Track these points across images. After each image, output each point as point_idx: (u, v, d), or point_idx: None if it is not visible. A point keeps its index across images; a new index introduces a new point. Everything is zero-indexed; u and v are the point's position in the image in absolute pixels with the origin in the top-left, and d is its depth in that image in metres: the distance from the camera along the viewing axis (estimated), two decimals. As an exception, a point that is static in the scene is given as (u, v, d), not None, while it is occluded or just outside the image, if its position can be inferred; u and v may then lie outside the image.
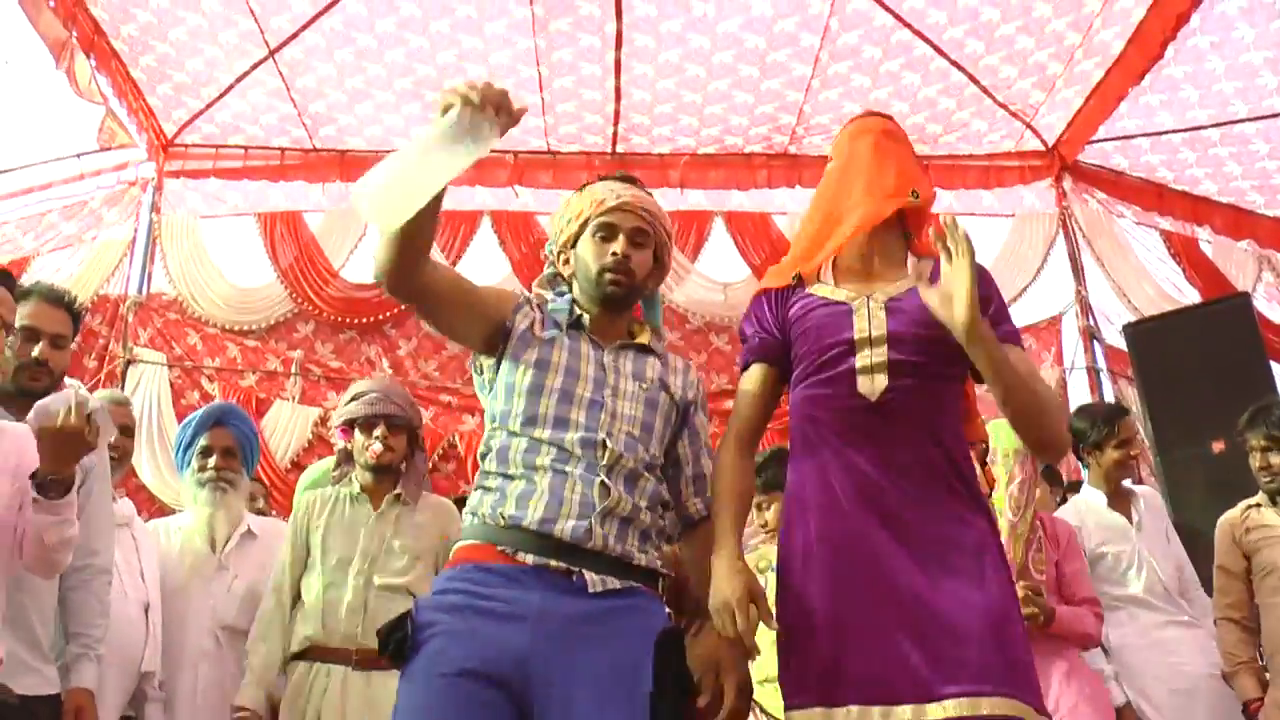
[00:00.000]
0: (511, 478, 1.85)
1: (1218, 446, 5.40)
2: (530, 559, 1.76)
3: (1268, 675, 3.46)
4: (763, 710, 2.94)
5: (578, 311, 2.06)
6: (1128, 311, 7.48)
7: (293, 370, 7.19)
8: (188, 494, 3.37)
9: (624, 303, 2.11)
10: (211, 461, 3.37)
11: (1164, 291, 7.70)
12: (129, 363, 6.94)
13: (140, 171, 7.37)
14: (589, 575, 1.76)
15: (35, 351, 2.65)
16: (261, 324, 7.49)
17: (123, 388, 6.66)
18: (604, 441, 1.88)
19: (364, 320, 7.61)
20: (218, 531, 3.35)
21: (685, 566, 2.05)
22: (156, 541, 3.38)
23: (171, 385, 6.98)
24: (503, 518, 1.81)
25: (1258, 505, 3.60)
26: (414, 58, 6.65)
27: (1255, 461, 3.58)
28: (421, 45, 6.54)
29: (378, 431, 3.11)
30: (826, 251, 2.04)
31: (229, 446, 3.43)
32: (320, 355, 7.50)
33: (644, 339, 2.11)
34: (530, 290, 2.18)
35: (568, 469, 1.83)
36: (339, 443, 3.34)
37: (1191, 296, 7.64)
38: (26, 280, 3.92)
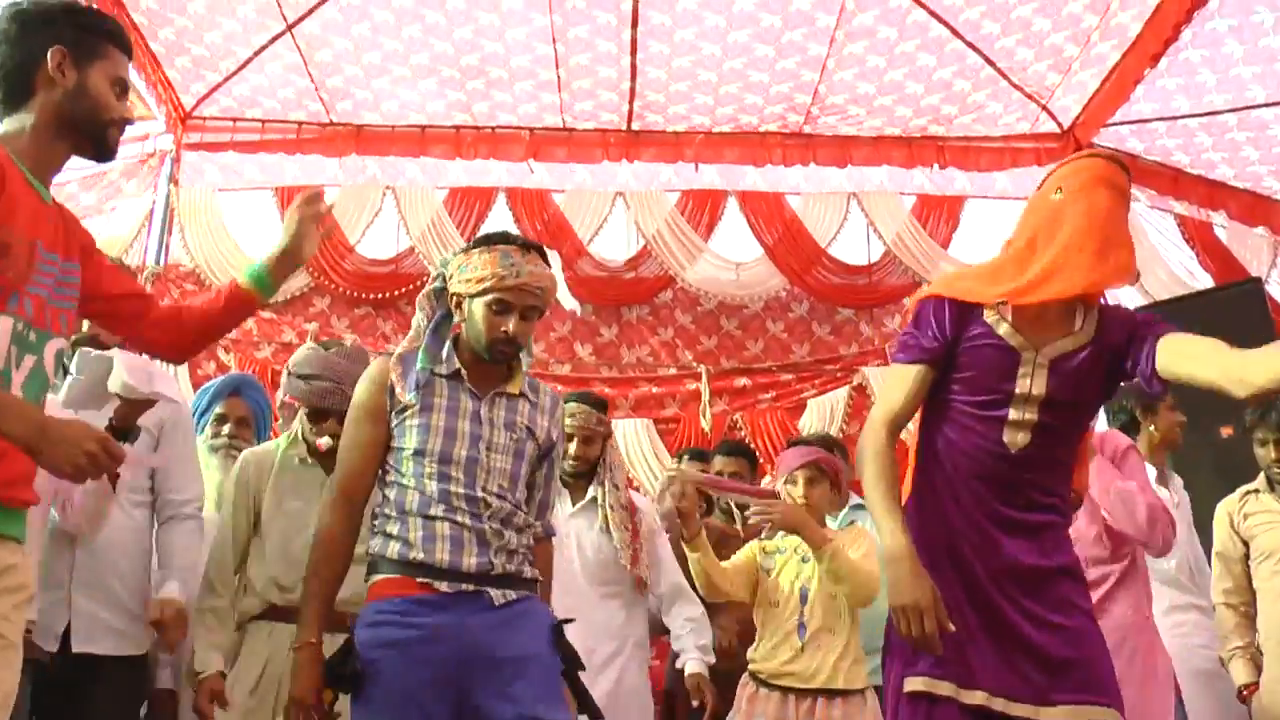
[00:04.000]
0: (409, 525, 2.17)
1: (1225, 432, 5.35)
2: (445, 586, 2.12)
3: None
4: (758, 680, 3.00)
5: (456, 364, 2.30)
6: (1140, 295, 7.47)
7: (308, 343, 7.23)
8: (201, 459, 3.32)
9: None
10: (225, 429, 3.44)
11: (1176, 276, 7.69)
12: (147, 333, 6.99)
13: (158, 144, 7.44)
14: (493, 593, 2.15)
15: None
16: (278, 297, 7.56)
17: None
18: (484, 499, 2.20)
19: (380, 295, 7.68)
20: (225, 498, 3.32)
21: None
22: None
23: (188, 355, 7.04)
24: (412, 558, 2.14)
25: (1256, 491, 3.62)
26: (430, 33, 6.68)
27: (1269, 453, 3.57)
28: (438, 21, 6.57)
29: (327, 424, 2.92)
30: (1041, 296, 2.05)
31: (243, 416, 3.50)
32: (336, 329, 7.57)
33: (516, 387, 2.34)
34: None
35: (459, 519, 2.17)
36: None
37: (1204, 281, 7.62)
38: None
